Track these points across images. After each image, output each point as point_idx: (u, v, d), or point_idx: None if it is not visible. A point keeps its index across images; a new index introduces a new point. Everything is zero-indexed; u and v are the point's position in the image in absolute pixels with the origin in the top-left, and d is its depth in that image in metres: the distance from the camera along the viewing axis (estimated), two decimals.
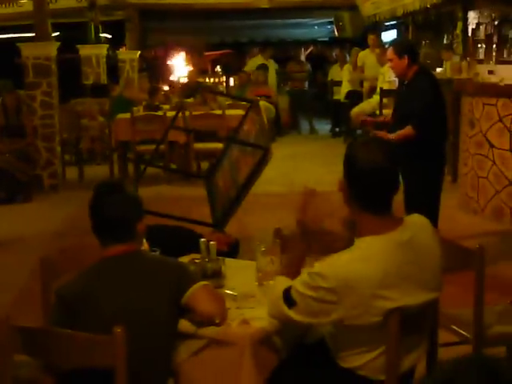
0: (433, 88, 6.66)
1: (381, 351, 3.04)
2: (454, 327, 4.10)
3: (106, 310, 3.05)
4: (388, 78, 13.32)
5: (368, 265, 2.93)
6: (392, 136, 6.47)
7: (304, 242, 3.35)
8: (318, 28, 25.55)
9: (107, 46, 16.67)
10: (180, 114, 11.27)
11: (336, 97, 16.86)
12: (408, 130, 6.47)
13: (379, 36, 16.29)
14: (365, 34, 16.99)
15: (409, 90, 6.69)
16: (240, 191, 6.01)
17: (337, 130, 17.22)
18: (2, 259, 7.89)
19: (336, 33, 20.90)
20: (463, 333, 4.03)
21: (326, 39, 24.86)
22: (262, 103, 14.97)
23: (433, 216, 6.74)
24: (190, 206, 8.48)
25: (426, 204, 6.66)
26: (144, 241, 4.70)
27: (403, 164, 6.67)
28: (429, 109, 6.53)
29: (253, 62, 18.10)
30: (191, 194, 9.29)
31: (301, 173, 12.05)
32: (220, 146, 10.27)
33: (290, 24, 24.77)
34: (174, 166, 12.27)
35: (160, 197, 9.99)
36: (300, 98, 18.48)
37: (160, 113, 11.86)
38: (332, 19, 21.32)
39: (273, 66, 18.04)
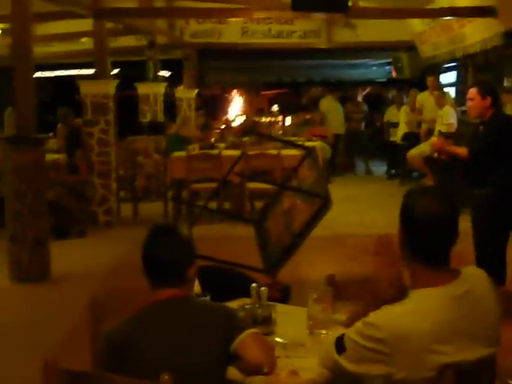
0: (507, 129, 6.65)
1: None
2: (511, 382, 3.97)
3: (154, 356, 3.00)
4: (446, 120, 13.21)
5: (421, 318, 2.84)
6: (448, 148, 6.86)
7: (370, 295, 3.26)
8: (376, 68, 25.51)
9: (165, 84, 16.78)
10: (235, 153, 11.30)
11: (392, 138, 16.75)
12: (463, 150, 6.64)
13: (438, 78, 16.15)
14: (423, 75, 16.89)
15: (485, 131, 6.67)
16: (296, 239, 5.89)
17: (393, 172, 17.09)
18: (53, 295, 7.93)
19: (394, 74, 20.84)
20: None
21: (384, 80, 24.80)
22: (318, 143, 15.03)
23: (500, 264, 6.68)
24: (242, 247, 8.39)
25: (495, 251, 6.63)
26: (196, 283, 4.69)
27: (475, 207, 6.69)
28: (494, 143, 6.52)
29: (324, 104, 18.19)
30: (243, 234, 9.23)
31: (355, 215, 11.97)
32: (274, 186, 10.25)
33: (349, 64, 24.77)
34: (227, 205, 12.29)
35: (212, 236, 9.97)
36: (356, 138, 18.46)
37: (215, 151, 11.90)
38: (390, 60, 21.28)
39: (340, 107, 18.14)
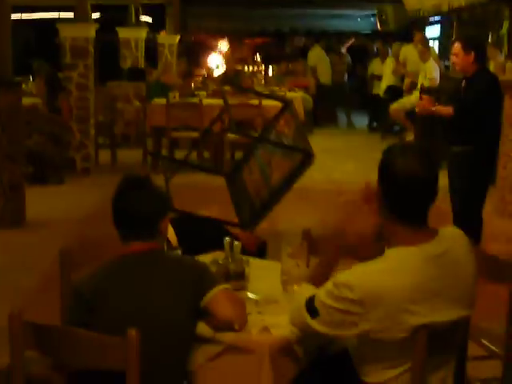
0: (492, 87, 6.62)
1: (405, 368, 2.89)
2: (484, 341, 3.96)
3: (122, 310, 2.94)
4: (429, 74, 13.10)
5: (397, 277, 2.78)
6: (433, 109, 6.71)
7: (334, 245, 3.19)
8: (361, 20, 25.31)
9: (147, 29, 16.55)
10: (216, 102, 11.18)
11: (375, 91, 16.64)
12: (449, 109, 6.52)
13: (423, 32, 15.99)
14: (407, 28, 16.74)
15: (469, 87, 6.59)
16: (274, 194, 5.78)
17: (374, 125, 17.01)
18: (27, 240, 7.83)
19: (378, 26, 20.66)
20: (493, 348, 3.89)
21: (369, 32, 24.60)
22: (300, 94, 14.92)
23: (476, 221, 6.67)
24: (222, 197, 8.32)
25: (471, 208, 6.61)
26: (173, 235, 4.65)
27: (453, 164, 6.65)
28: (478, 102, 6.48)
29: (313, 54, 18.07)
30: (223, 184, 9.16)
31: (334, 167, 11.92)
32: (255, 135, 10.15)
33: (333, 15, 24.55)
34: (206, 154, 12.20)
35: (191, 185, 9.86)
36: (339, 90, 18.34)
37: (196, 100, 11.75)
38: (375, 12, 21.10)
39: (327, 58, 18.02)
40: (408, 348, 2.84)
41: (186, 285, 3.02)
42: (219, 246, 4.04)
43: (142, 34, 16.22)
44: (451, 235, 2.98)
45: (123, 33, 16.11)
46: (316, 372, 3.27)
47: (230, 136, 11.63)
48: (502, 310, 3.65)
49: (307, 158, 5.49)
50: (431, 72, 13.13)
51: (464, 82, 6.66)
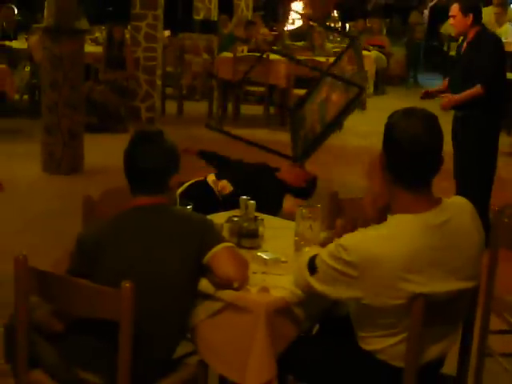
0: (498, 48, 6.50)
1: (403, 337, 2.87)
2: (506, 315, 3.91)
3: (121, 261, 2.97)
4: (505, 39, 12.75)
5: (393, 244, 2.75)
6: (457, 96, 6.37)
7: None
8: None
9: None
10: (283, 58, 11.13)
11: (451, 53, 16.28)
12: (476, 89, 6.29)
13: None
14: None
15: (471, 50, 6.45)
16: (326, 129, 5.85)
17: None
18: (82, 187, 7.91)
19: None
20: None
21: None
22: (374, 53, 14.78)
23: (486, 184, 6.56)
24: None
25: (480, 173, 6.48)
26: (226, 182, 4.81)
27: (458, 127, 6.51)
28: (496, 67, 6.39)
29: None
30: (283, 140, 9.13)
31: None
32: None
33: None
34: (272, 110, 12.19)
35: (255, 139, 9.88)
36: (418, 50, 18.06)
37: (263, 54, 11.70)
38: None
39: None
40: (405, 317, 2.81)
41: (189, 240, 3.03)
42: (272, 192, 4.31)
43: None
44: (456, 205, 2.92)
45: None
46: (317, 336, 3.28)
47: (296, 92, 11.58)
48: None
49: (359, 93, 5.54)
50: (506, 36, 12.78)
51: (466, 45, 6.49)
